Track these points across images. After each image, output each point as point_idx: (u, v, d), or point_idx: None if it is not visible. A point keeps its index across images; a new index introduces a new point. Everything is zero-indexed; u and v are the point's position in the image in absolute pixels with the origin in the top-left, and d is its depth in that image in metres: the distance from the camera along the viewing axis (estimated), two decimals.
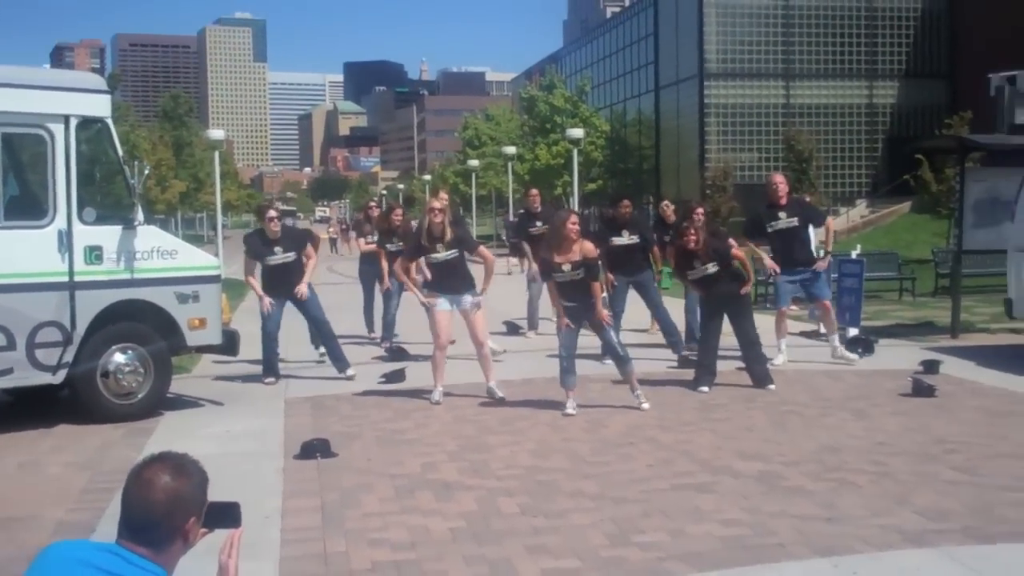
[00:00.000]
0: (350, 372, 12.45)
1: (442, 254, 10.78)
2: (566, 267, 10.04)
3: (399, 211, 15.34)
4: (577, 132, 32.35)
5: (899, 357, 13.26)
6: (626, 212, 13.71)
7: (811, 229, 17.60)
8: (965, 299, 16.31)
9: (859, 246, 17.49)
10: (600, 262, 11.28)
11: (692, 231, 11.32)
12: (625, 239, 13.53)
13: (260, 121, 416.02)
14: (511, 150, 48.86)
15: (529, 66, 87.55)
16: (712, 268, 11.33)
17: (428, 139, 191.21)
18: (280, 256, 12.39)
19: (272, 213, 12.66)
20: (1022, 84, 15.05)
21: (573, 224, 10.07)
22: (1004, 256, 14.31)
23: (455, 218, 11.79)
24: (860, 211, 47.65)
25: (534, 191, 16.62)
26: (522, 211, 18.11)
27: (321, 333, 12.81)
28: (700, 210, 13.45)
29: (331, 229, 66.82)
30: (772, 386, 11.25)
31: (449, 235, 10.78)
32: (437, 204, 11.03)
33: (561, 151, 52.39)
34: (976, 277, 19.57)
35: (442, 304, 10.86)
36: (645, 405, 10.18)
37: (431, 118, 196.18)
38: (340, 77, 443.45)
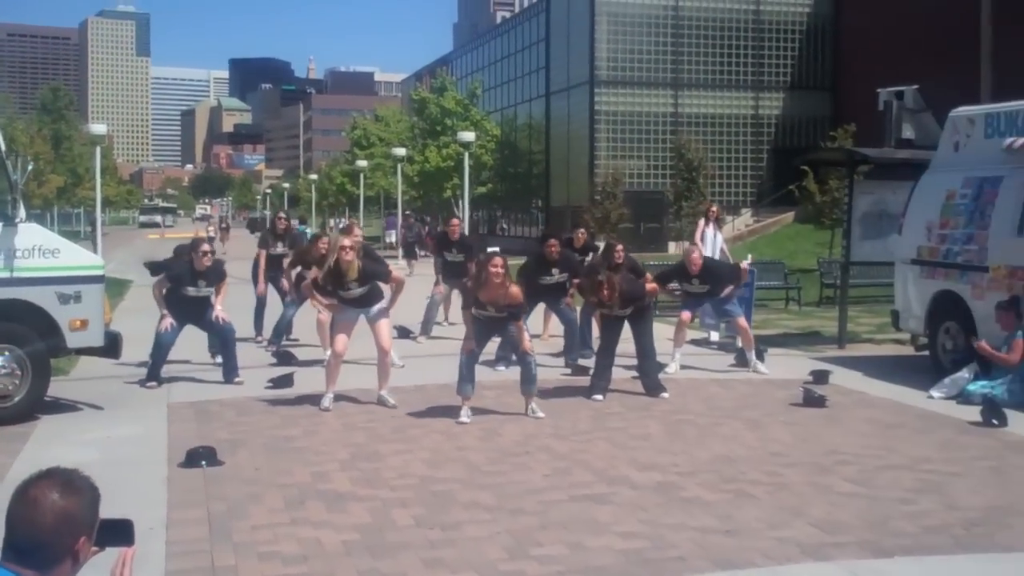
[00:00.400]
0: (237, 380, 12.14)
1: (355, 291, 10.56)
2: (491, 308, 10.07)
3: (325, 240, 14.86)
4: (468, 135, 32.31)
5: (788, 367, 13.39)
6: (554, 251, 13.61)
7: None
8: (850, 309, 16.58)
9: (750, 256, 17.66)
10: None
11: (606, 288, 11.03)
12: (555, 278, 13.57)
13: (141, 116, 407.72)
14: (401, 152, 48.55)
15: (419, 68, 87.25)
16: (628, 311, 11.35)
17: (315, 138, 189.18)
18: (202, 290, 12.15)
19: (206, 247, 12.34)
20: (909, 99, 15.35)
21: (495, 268, 9.96)
22: (888, 268, 14.59)
23: (366, 251, 11.62)
24: (745, 220, 48.41)
25: (455, 221, 17.02)
26: (440, 231, 18.57)
27: (225, 342, 12.38)
28: (620, 248, 13.41)
29: (210, 228, 64.33)
30: (665, 395, 11.27)
31: (358, 273, 10.50)
32: (347, 242, 10.64)
33: (451, 154, 52.21)
34: (861, 288, 19.96)
35: (347, 313, 10.64)
36: (540, 414, 10.13)
37: (318, 117, 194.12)
38: (225, 73, 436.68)
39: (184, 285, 12.09)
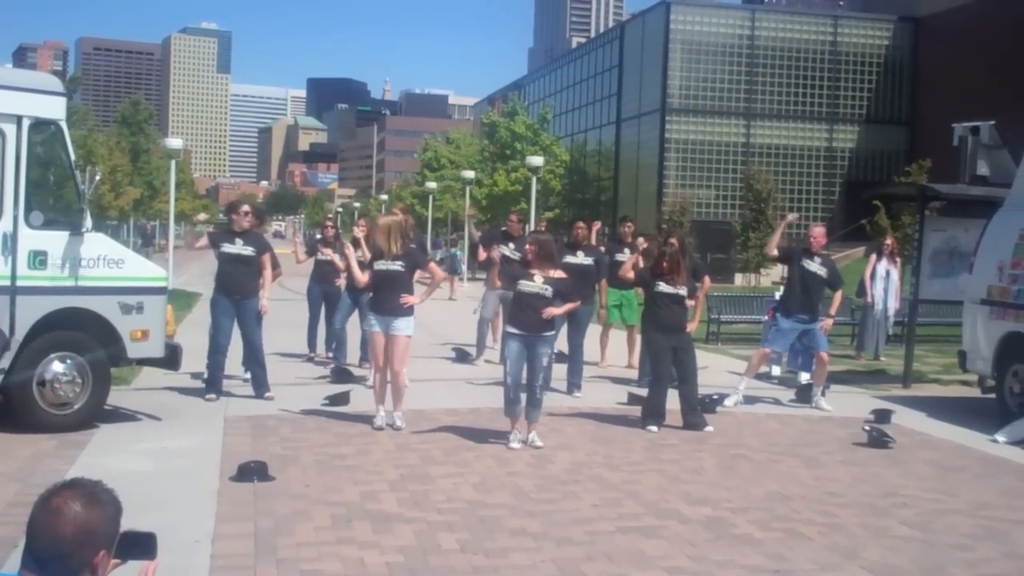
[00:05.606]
0: (268, 396, 12.12)
1: (386, 265, 10.51)
2: (537, 279, 9.99)
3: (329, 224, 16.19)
4: (537, 160, 32.32)
5: (850, 405, 13.16)
6: (580, 233, 13.86)
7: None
8: (917, 348, 16.28)
9: None
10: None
11: (667, 260, 11.26)
12: (578, 259, 13.66)
13: (220, 132, 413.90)
14: (470, 174, 48.75)
15: (492, 91, 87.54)
16: (684, 293, 11.28)
17: (387, 159, 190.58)
18: (242, 250, 12.05)
19: (245, 208, 12.43)
20: (985, 135, 15.04)
21: (529, 247, 10.35)
22: (958, 307, 14.29)
23: (420, 244, 11.67)
24: None
25: (514, 216, 16.37)
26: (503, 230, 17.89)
27: (253, 357, 12.36)
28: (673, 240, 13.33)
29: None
30: (709, 428, 11.08)
31: (396, 247, 10.56)
32: (381, 220, 11.06)
33: (520, 178, 52.34)
34: (929, 327, 19.58)
35: (376, 326, 10.62)
36: (539, 443, 9.99)
37: (391, 138, 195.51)
38: (303, 92, 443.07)
39: (222, 242, 12.10)
